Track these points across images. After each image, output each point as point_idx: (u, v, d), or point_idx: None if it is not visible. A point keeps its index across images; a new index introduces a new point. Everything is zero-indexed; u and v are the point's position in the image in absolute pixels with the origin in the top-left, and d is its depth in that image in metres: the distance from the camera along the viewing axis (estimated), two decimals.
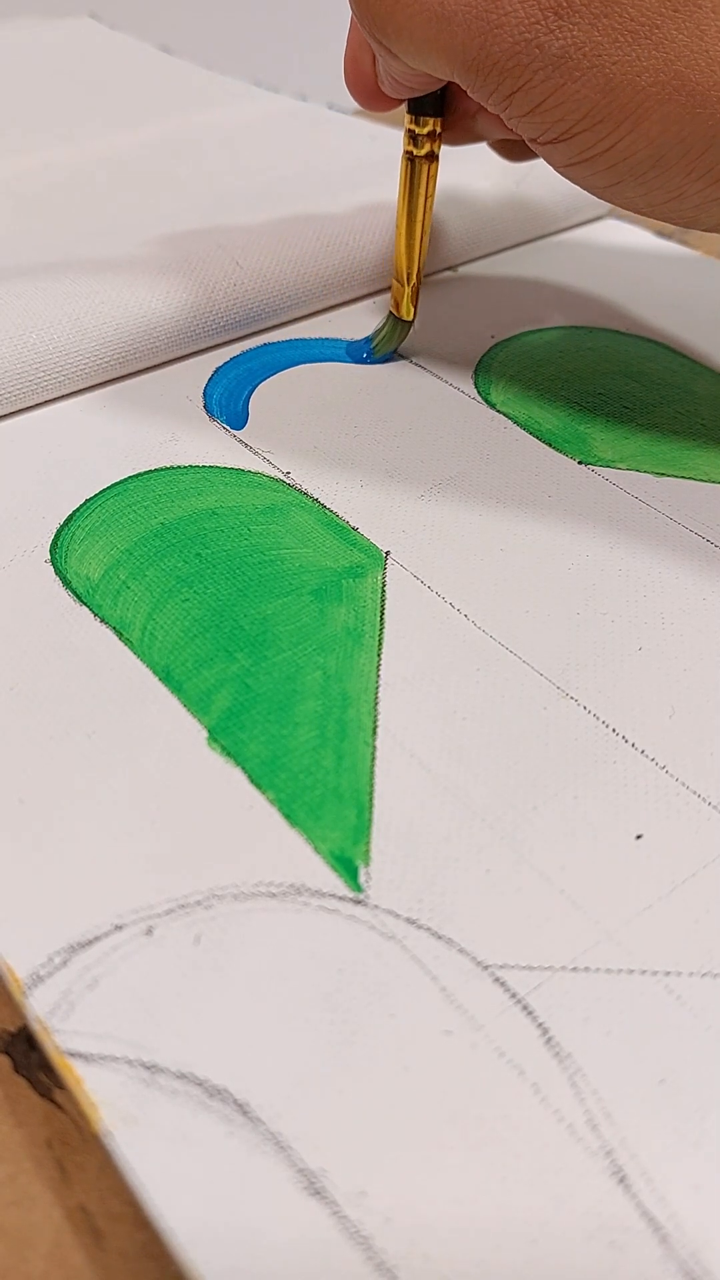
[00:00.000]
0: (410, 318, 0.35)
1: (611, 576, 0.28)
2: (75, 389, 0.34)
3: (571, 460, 0.31)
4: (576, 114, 0.25)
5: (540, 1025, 0.19)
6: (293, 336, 0.37)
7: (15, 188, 0.45)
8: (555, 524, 0.29)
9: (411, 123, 0.32)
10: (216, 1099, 0.18)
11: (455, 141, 0.33)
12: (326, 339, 0.37)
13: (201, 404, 0.34)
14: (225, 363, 0.35)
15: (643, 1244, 0.16)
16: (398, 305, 0.35)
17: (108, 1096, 0.18)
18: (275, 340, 0.37)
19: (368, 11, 0.26)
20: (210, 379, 0.35)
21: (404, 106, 0.31)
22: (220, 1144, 0.17)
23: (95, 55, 0.58)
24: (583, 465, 0.31)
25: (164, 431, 0.32)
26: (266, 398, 0.34)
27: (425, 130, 0.31)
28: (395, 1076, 0.18)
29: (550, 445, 0.32)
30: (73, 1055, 0.18)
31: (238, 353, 0.36)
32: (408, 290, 0.34)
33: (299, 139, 0.48)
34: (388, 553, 0.28)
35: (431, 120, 0.31)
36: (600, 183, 0.27)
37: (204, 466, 0.31)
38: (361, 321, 0.38)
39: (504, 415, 0.33)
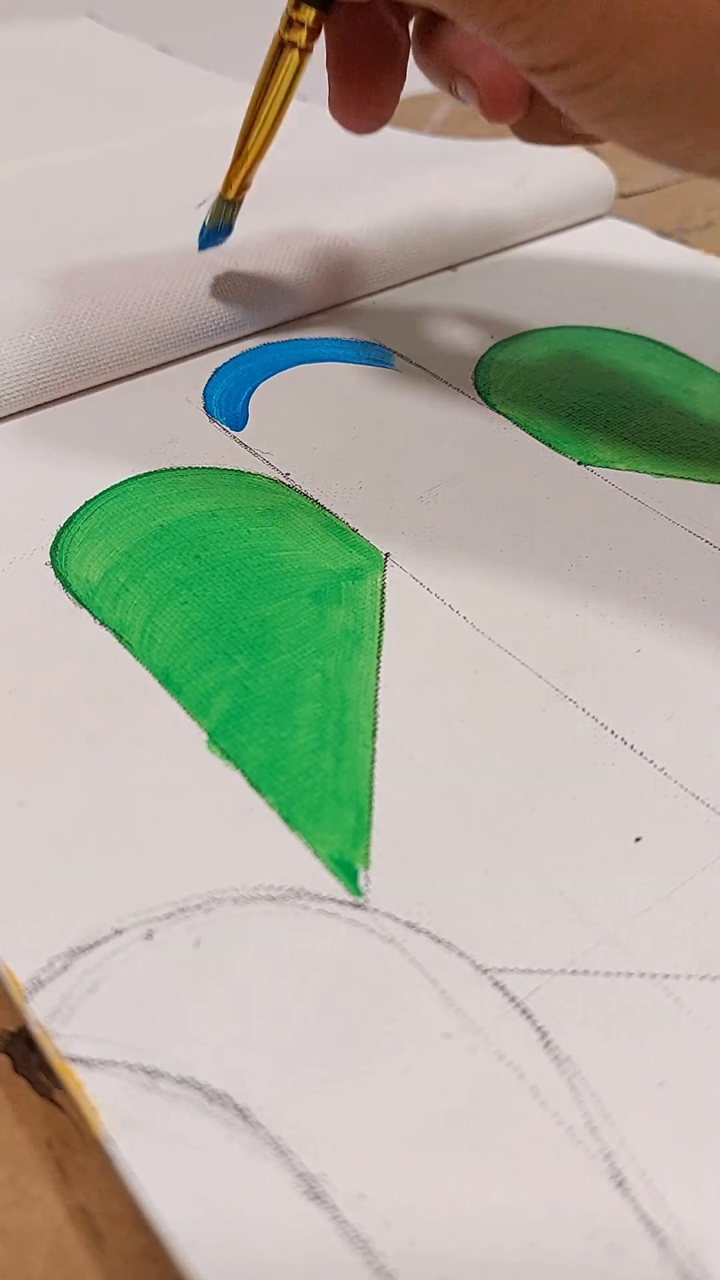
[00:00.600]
0: (231, 197, 0.33)
1: (611, 578, 0.28)
2: (74, 390, 0.34)
3: (571, 461, 0.31)
4: (574, 43, 0.23)
5: (539, 1028, 0.19)
6: (292, 337, 0.37)
7: (14, 188, 0.45)
8: (554, 525, 0.29)
9: (292, 7, 0.30)
10: (216, 1103, 0.18)
11: (432, 76, 0.30)
12: (326, 339, 0.37)
13: (201, 405, 0.34)
14: (225, 363, 0.35)
15: (641, 1246, 0.17)
16: (226, 180, 0.33)
17: (108, 1101, 0.18)
18: (275, 341, 0.37)
19: None
20: (210, 380, 0.35)
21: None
22: (220, 1148, 0.17)
23: (95, 55, 0.58)
24: (582, 466, 0.31)
25: (164, 433, 0.32)
26: (266, 398, 0.34)
27: (301, 17, 0.29)
28: (395, 1080, 0.18)
29: (550, 446, 0.32)
30: (73, 1060, 0.18)
31: (237, 353, 0.36)
32: (241, 170, 0.33)
33: (298, 139, 0.48)
34: (387, 555, 0.28)
35: (312, 11, 0.29)
36: (593, 114, 0.25)
37: (204, 468, 0.31)
38: (362, 321, 0.38)
39: (503, 416, 0.33)
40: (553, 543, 0.29)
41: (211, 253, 0.36)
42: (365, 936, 0.20)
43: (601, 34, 0.23)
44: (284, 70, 0.30)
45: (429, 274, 0.40)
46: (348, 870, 0.21)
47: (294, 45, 0.30)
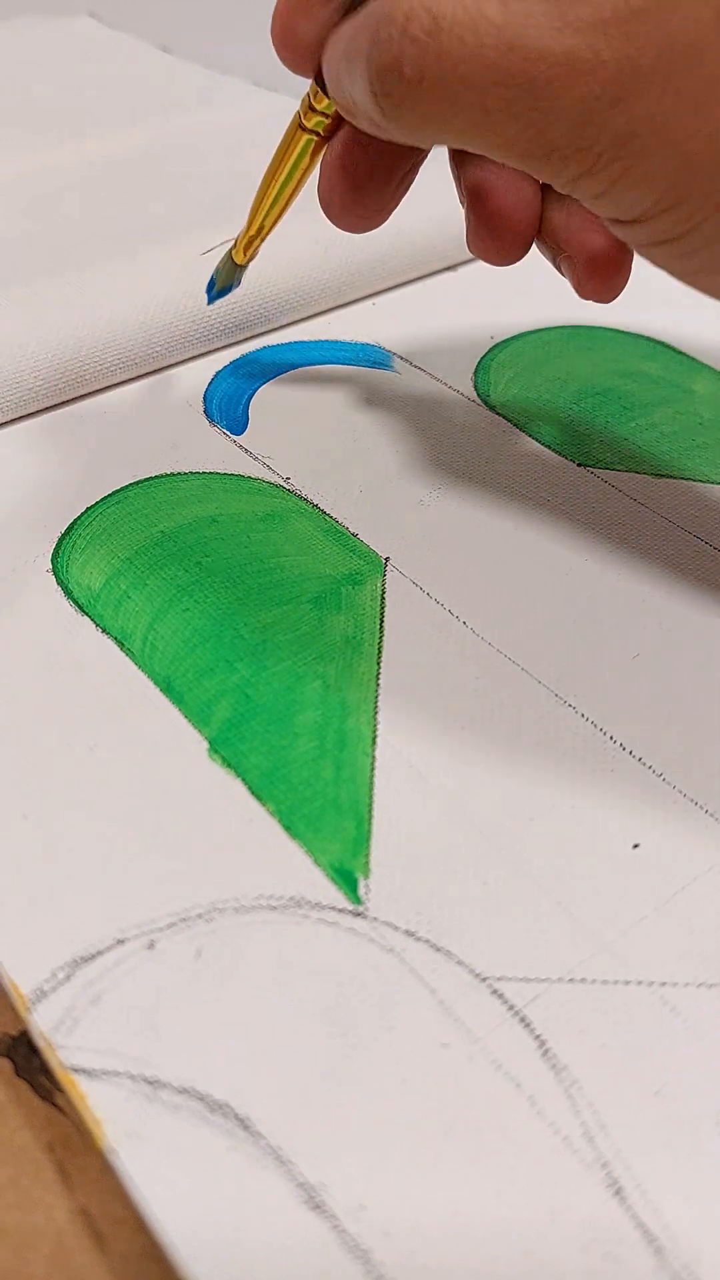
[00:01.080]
0: (241, 262, 0.33)
1: (610, 581, 0.28)
2: (75, 395, 0.34)
3: (570, 462, 0.31)
4: (652, 195, 0.22)
5: (537, 1037, 0.19)
6: (292, 340, 0.37)
7: (14, 189, 0.45)
8: (554, 528, 0.29)
9: (314, 96, 0.28)
10: (218, 1113, 0.18)
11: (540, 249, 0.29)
12: (326, 342, 0.37)
13: (202, 409, 0.34)
14: (225, 367, 0.36)
15: (637, 1255, 0.17)
16: (236, 244, 0.32)
17: (111, 1112, 0.18)
18: (275, 344, 0.37)
19: (399, 119, 0.23)
20: (210, 384, 0.35)
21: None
22: (222, 1158, 0.18)
23: (95, 55, 0.58)
24: (581, 467, 0.31)
25: (164, 437, 0.32)
26: (266, 402, 0.34)
27: (323, 107, 0.28)
28: (394, 1090, 0.18)
29: (549, 447, 0.32)
30: (77, 1071, 0.19)
31: (237, 357, 0.36)
32: (253, 239, 0.32)
33: None
34: (387, 559, 0.28)
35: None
36: (684, 268, 0.24)
37: (204, 473, 0.31)
38: (361, 323, 0.38)
39: (503, 417, 0.33)
40: (552, 545, 0.29)
41: (211, 254, 0.36)
42: (365, 945, 0.20)
43: (681, 186, 0.21)
44: (299, 155, 0.29)
45: (429, 274, 0.40)
46: (348, 879, 0.21)
47: (310, 131, 0.29)
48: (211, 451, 0.32)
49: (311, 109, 0.28)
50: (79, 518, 0.29)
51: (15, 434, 0.33)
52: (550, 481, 0.31)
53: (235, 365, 0.36)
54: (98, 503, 0.30)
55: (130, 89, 0.54)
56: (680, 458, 0.32)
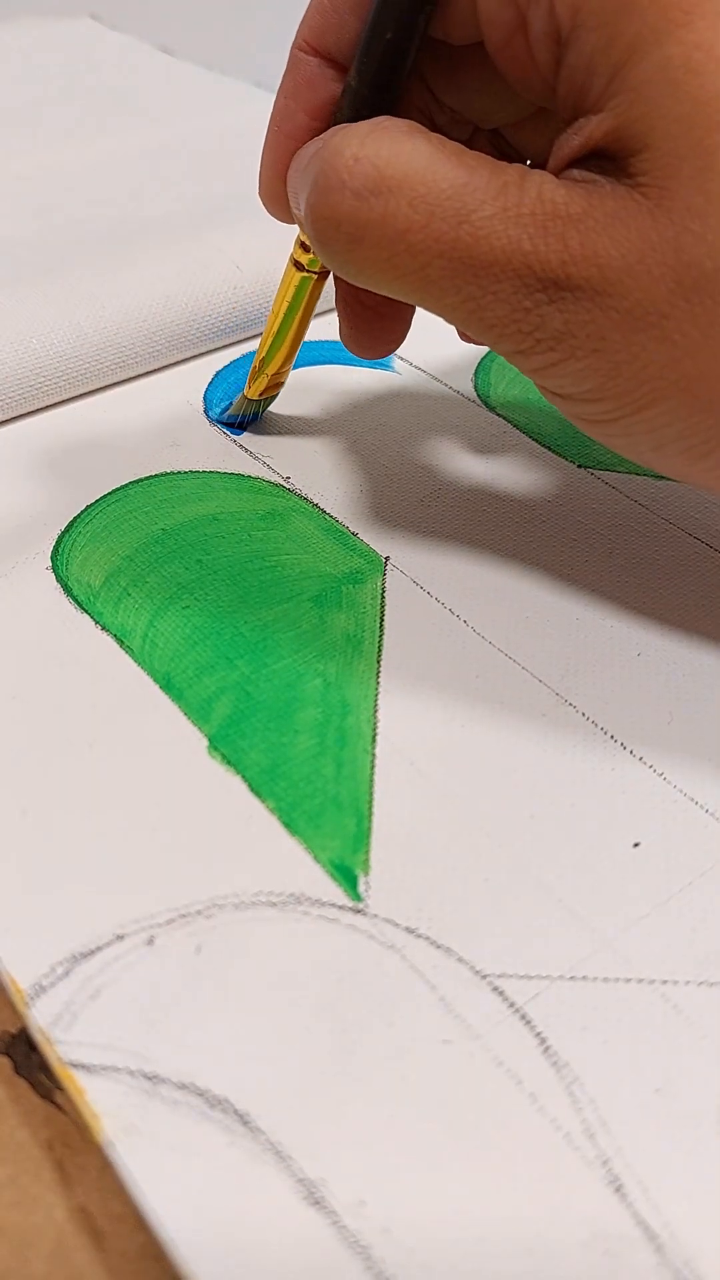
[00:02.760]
0: (255, 398, 0.32)
1: (610, 581, 0.28)
2: (75, 394, 0.34)
3: (570, 463, 0.32)
4: (579, 388, 0.22)
5: (538, 1034, 0.19)
6: None
7: (15, 189, 0.45)
8: (555, 528, 0.29)
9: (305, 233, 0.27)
10: (217, 1109, 0.18)
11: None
12: (326, 341, 0.37)
13: (202, 408, 0.34)
14: (225, 366, 0.36)
15: (638, 1252, 0.17)
16: (250, 385, 0.32)
17: (110, 1107, 0.18)
18: None
19: (337, 266, 0.22)
20: (210, 383, 0.35)
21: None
22: (221, 1154, 0.18)
23: (95, 56, 0.58)
24: (581, 468, 0.31)
25: (164, 436, 0.32)
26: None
27: None
28: (394, 1086, 0.18)
29: (549, 448, 0.32)
30: (75, 1066, 0.18)
31: (237, 356, 0.36)
32: (263, 377, 0.31)
33: None
34: (387, 558, 0.28)
35: None
36: (600, 440, 0.24)
37: (204, 472, 0.31)
38: None
39: (503, 418, 0.33)
40: (552, 545, 0.29)
41: (211, 255, 0.36)
42: (365, 942, 0.20)
43: (607, 388, 0.21)
44: (298, 294, 0.29)
45: None
46: (348, 876, 0.21)
47: (307, 270, 0.29)
48: (211, 451, 0.32)
49: (305, 247, 0.28)
50: (79, 515, 0.29)
51: (15, 433, 0.33)
52: (550, 482, 0.31)
53: (235, 365, 0.36)
54: (98, 501, 0.30)
55: (131, 90, 0.54)
56: None
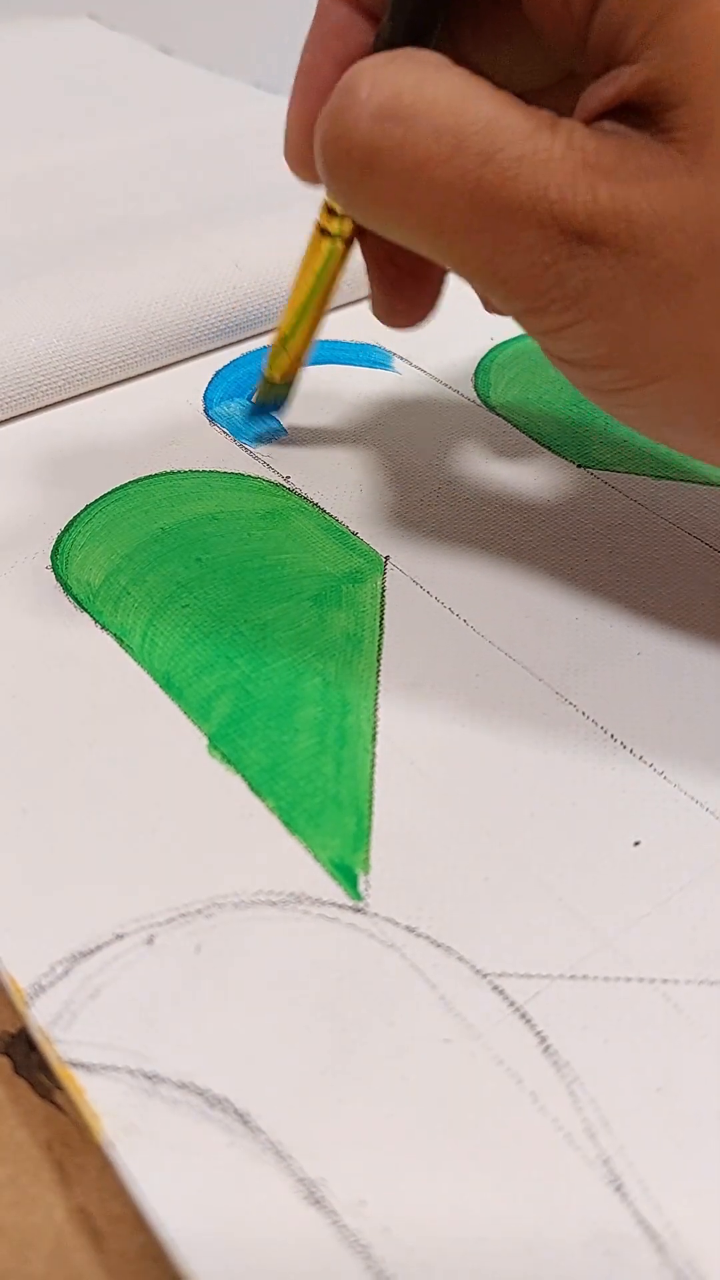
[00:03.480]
0: (277, 380, 0.31)
1: (611, 581, 0.28)
2: (75, 393, 0.34)
3: (570, 463, 0.31)
4: (592, 352, 0.21)
5: (538, 1033, 0.19)
6: None
7: (14, 189, 0.45)
8: (555, 528, 0.29)
9: (331, 195, 0.26)
10: (217, 1109, 0.18)
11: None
12: (326, 341, 0.37)
13: (202, 408, 0.34)
14: (225, 366, 0.36)
15: (639, 1252, 0.17)
16: (270, 366, 0.31)
17: (110, 1106, 0.18)
18: None
19: (346, 199, 0.21)
20: (210, 382, 0.35)
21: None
22: (221, 1153, 0.18)
23: (95, 56, 0.58)
24: (582, 468, 0.31)
25: (164, 436, 0.32)
26: None
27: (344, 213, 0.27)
28: (394, 1085, 0.18)
29: (549, 448, 0.32)
30: (75, 1065, 0.18)
31: (238, 356, 0.36)
32: (283, 356, 0.30)
33: None
34: (387, 558, 0.28)
35: None
36: (610, 412, 0.23)
37: (204, 471, 0.31)
38: (361, 324, 0.38)
39: (503, 418, 0.33)
40: (552, 545, 0.29)
41: (211, 255, 0.36)
42: (365, 941, 0.20)
43: (617, 355, 0.21)
44: (323, 262, 0.28)
45: None
46: (348, 875, 0.21)
47: (333, 236, 0.27)
48: (211, 450, 0.32)
49: (331, 211, 0.27)
50: (79, 515, 0.29)
51: (15, 432, 0.33)
52: (550, 482, 0.31)
53: (235, 364, 0.36)
54: (97, 500, 0.30)
55: (130, 90, 0.54)
56: (681, 459, 0.32)
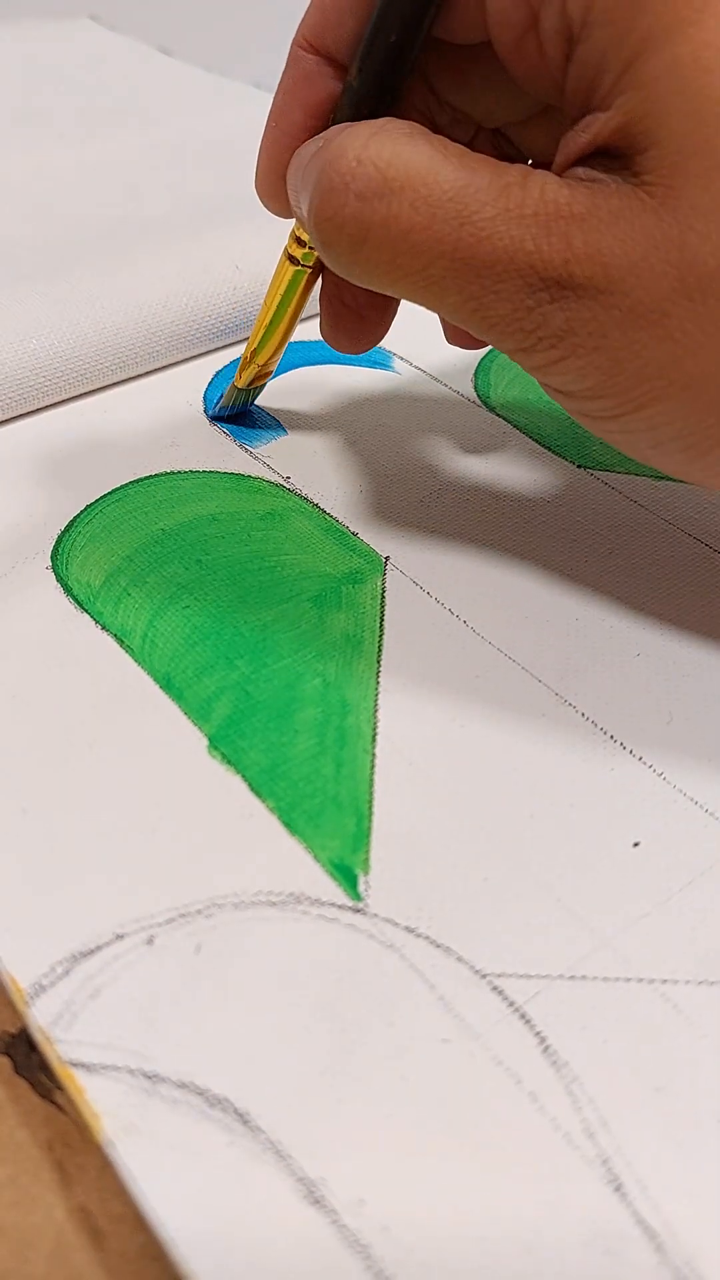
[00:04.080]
0: (242, 385, 0.32)
1: (610, 581, 0.28)
2: (75, 394, 0.34)
3: (570, 464, 0.32)
4: (581, 385, 0.22)
5: (538, 1034, 0.19)
6: (292, 339, 0.37)
7: (14, 189, 0.45)
8: (554, 528, 0.29)
9: (298, 225, 0.28)
10: (217, 1108, 0.18)
11: None
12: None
13: (202, 408, 0.34)
14: (225, 366, 0.36)
15: (638, 1251, 0.17)
16: (240, 374, 0.32)
17: (110, 1106, 0.18)
18: None
19: (342, 269, 0.23)
20: (210, 383, 0.35)
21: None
22: (221, 1153, 0.18)
23: (95, 56, 0.58)
24: (581, 469, 0.31)
25: (164, 436, 0.32)
26: (266, 402, 0.34)
27: (306, 237, 0.28)
28: (394, 1085, 0.18)
29: (549, 448, 0.32)
30: (75, 1065, 0.18)
31: (237, 356, 0.36)
32: (251, 365, 0.31)
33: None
34: (387, 558, 0.28)
35: None
36: (602, 437, 0.24)
37: (204, 472, 0.31)
38: None
39: (503, 419, 0.33)
40: (552, 546, 0.29)
41: (211, 255, 0.36)
42: (365, 941, 0.20)
43: (607, 385, 0.21)
44: (290, 288, 0.29)
45: None
46: (348, 875, 0.21)
47: (300, 265, 0.29)
48: (211, 450, 0.32)
49: (298, 240, 0.28)
50: (79, 515, 0.29)
51: (15, 432, 0.33)
52: (550, 482, 0.31)
53: (235, 365, 0.36)
54: (97, 500, 0.30)
55: (130, 91, 0.54)
56: None
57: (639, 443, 0.23)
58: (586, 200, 0.20)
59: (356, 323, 0.29)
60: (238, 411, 0.33)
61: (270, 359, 0.31)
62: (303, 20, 0.25)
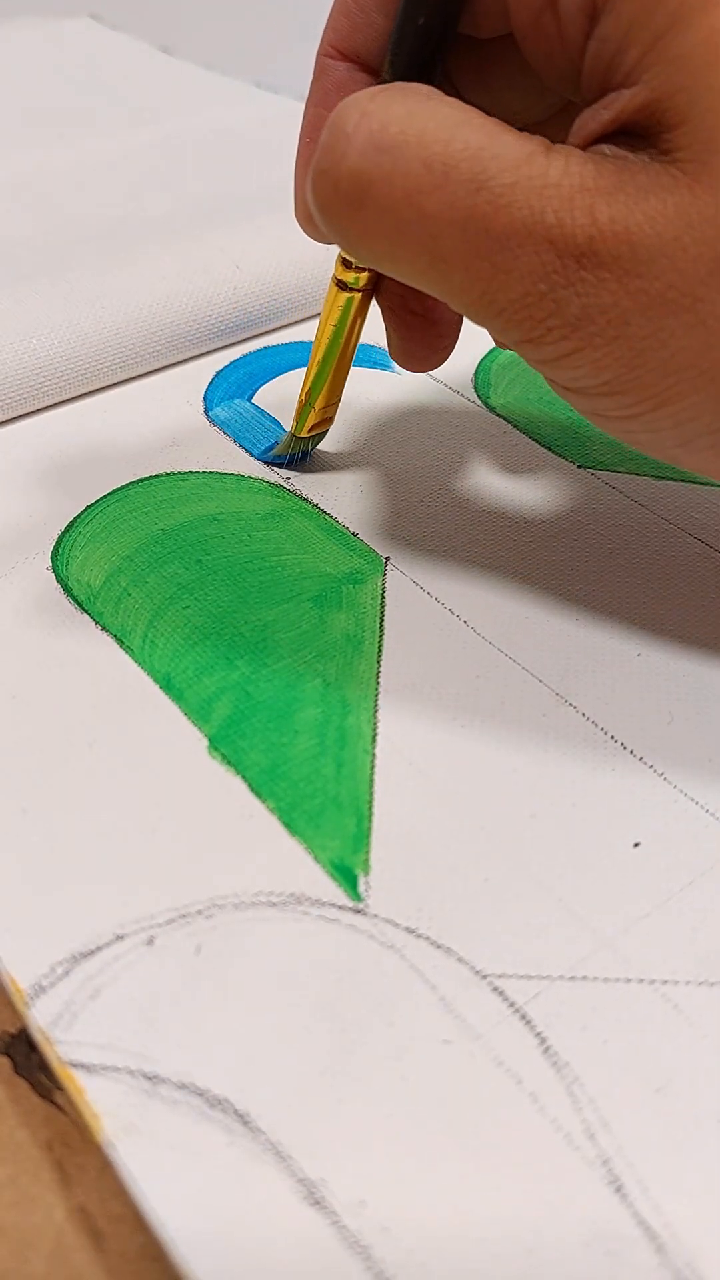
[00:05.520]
0: (300, 434, 0.30)
1: (611, 582, 0.28)
2: (75, 394, 0.34)
3: (570, 464, 0.32)
4: (596, 380, 0.20)
5: (538, 1034, 0.19)
6: (292, 340, 0.37)
7: (14, 189, 0.45)
8: (555, 529, 0.29)
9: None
10: (217, 1109, 0.18)
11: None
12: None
13: (202, 408, 0.34)
14: (225, 366, 0.36)
15: (639, 1252, 0.17)
16: (296, 421, 0.30)
17: (110, 1107, 0.18)
18: (275, 344, 0.37)
19: (339, 233, 0.21)
20: (210, 383, 0.35)
21: None
22: (221, 1154, 0.18)
23: (95, 55, 0.58)
24: (582, 469, 0.31)
25: (164, 436, 0.32)
26: (267, 402, 0.34)
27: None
28: (394, 1086, 0.18)
29: (549, 448, 0.32)
30: (75, 1065, 0.18)
31: (238, 356, 0.36)
32: (308, 409, 0.29)
33: (292, 137, 0.48)
34: (387, 558, 0.28)
35: None
36: (619, 438, 0.22)
37: (205, 472, 0.31)
38: None
39: (503, 419, 0.33)
40: (553, 546, 0.29)
41: (211, 255, 0.36)
42: (365, 942, 0.20)
43: (626, 380, 0.20)
44: (341, 315, 0.27)
45: None
46: (348, 876, 0.21)
47: (350, 288, 0.26)
48: (211, 451, 0.32)
49: (346, 262, 0.26)
50: (79, 516, 0.29)
51: (16, 433, 0.33)
52: (550, 482, 0.31)
53: (235, 365, 0.36)
54: (98, 501, 0.30)
55: (130, 90, 0.54)
56: None
57: (664, 441, 0.21)
58: (614, 175, 0.19)
59: (427, 330, 0.27)
60: (293, 461, 0.31)
61: (330, 402, 0.29)
62: (327, 28, 0.24)
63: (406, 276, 0.21)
